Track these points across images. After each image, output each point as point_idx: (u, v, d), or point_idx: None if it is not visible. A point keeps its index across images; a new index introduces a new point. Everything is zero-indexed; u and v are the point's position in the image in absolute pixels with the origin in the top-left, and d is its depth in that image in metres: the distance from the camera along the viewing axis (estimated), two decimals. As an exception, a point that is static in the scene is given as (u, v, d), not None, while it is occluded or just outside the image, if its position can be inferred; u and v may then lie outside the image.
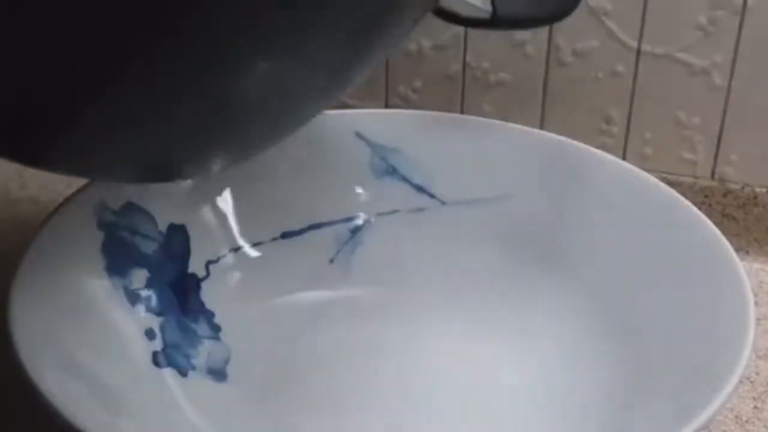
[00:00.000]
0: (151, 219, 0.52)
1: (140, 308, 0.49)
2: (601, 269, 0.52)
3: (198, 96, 0.34)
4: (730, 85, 0.60)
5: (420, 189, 0.57)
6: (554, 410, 0.48)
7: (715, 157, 0.62)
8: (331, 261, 0.56)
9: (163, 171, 0.42)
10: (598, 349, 0.50)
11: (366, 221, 0.56)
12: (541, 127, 0.63)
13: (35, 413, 0.38)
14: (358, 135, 0.56)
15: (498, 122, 0.57)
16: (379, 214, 0.56)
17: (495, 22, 0.47)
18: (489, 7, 0.47)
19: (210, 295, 0.52)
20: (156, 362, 0.48)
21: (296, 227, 0.56)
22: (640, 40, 0.60)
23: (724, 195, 0.62)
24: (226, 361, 0.50)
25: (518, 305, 0.53)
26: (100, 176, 0.47)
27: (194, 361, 0.50)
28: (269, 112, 0.39)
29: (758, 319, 0.45)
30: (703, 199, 0.62)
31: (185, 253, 0.53)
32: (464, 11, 0.45)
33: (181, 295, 0.52)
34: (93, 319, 0.46)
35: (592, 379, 0.49)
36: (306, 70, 0.36)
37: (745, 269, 0.47)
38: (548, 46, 0.61)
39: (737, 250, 0.48)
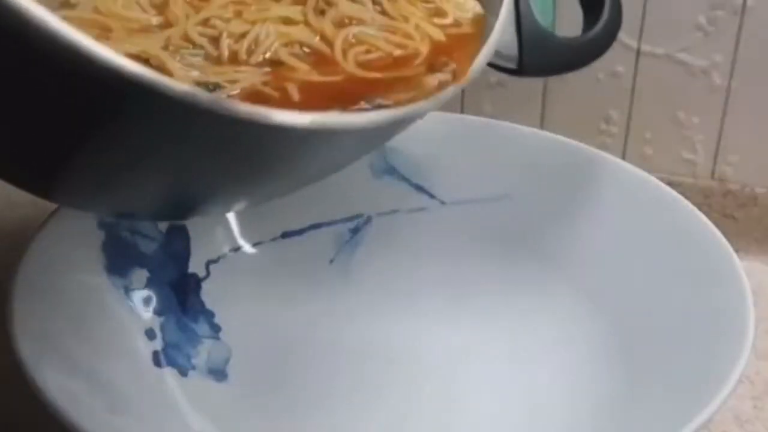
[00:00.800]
0: (152, 219, 0.52)
1: (140, 308, 0.49)
2: (601, 269, 0.52)
3: (220, 170, 0.39)
4: (729, 85, 0.60)
5: (420, 189, 0.57)
6: (554, 410, 0.48)
7: (715, 157, 0.62)
8: (331, 261, 0.56)
9: (183, 216, 0.47)
10: (597, 348, 0.50)
11: (366, 221, 0.56)
12: (541, 127, 0.63)
13: (35, 412, 0.38)
14: (358, 135, 0.56)
15: (498, 122, 0.57)
16: (379, 214, 0.56)
17: (520, 72, 0.48)
18: (515, 53, 0.48)
19: (210, 295, 0.52)
20: (156, 362, 0.48)
21: (296, 227, 0.56)
22: (640, 40, 0.60)
23: (724, 195, 0.62)
24: (226, 361, 0.50)
25: (518, 305, 0.53)
26: (119, 217, 0.49)
27: (194, 361, 0.50)
28: (287, 186, 0.45)
29: (758, 319, 0.45)
30: (703, 199, 0.62)
31: (185, 253, 0.53)
32: (492, 59, 0.45)
33: (181, 295, 0.52)
34: (93, 319, 0.46)
35: (592, 379, 0.49)
36: (321, 168, 0.44)
37: (745, 269, 0.47)
38: None
39: (737, 250, 0.48)
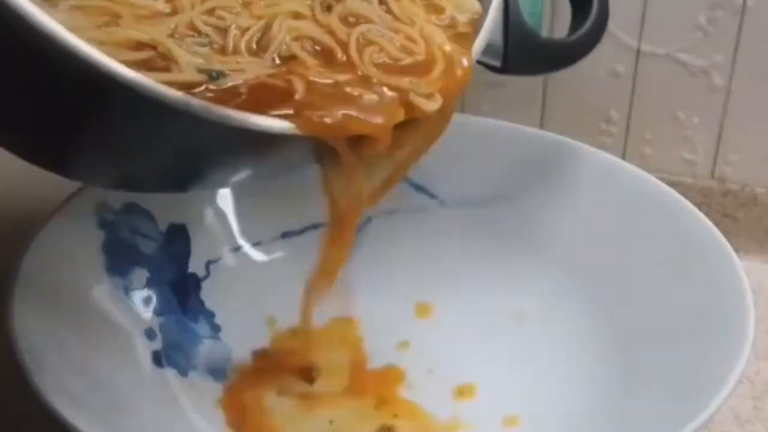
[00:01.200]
0: (151, 219, 0.52)
1: (140, 308, 0.49)
2: (601, 269, 0.52)
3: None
4: (729, 85, 0.60)
5: (420, 189, 0.57)
6: (553, 411, 0.48)
7: (715, 157, 0.62)
8: (331, 261, 0.56)
9: (182, 188, 0.47)
10: (597, 349, 0.50)
11: (366, 221, 0.56)
12: (541, 127, 0.63)
13: (35, 413, 0.38)
14: (358, 135, 0.56)
15: (498, 122, 0.57)
16: (379, 214, 0.56)
17: (504, 70, 0.49)
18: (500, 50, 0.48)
19: (210, 295, 0.52)
20: (156, 362, 0.48)
21: (296, 227, 0.56)
22: (640, 40, 0.60)
23: (724, 195, 0.62)
24: (226, 361, 0.50)
25: (518, 306, 0.53)
26: (121, 188, 0.49)
27: (194, 361, 0.50)
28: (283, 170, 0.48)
29: (758, 319, 0.45)
30: (703, 199, 0.62)
31: (185, 253, 0.53)
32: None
33: (181, 295, 0.52)
34: (93, 319, 0.46)
35: (592, 378, 0.49)
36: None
37: (745, 269, 0.47)
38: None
39: (737, 250, 0.48)
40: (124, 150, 0.38)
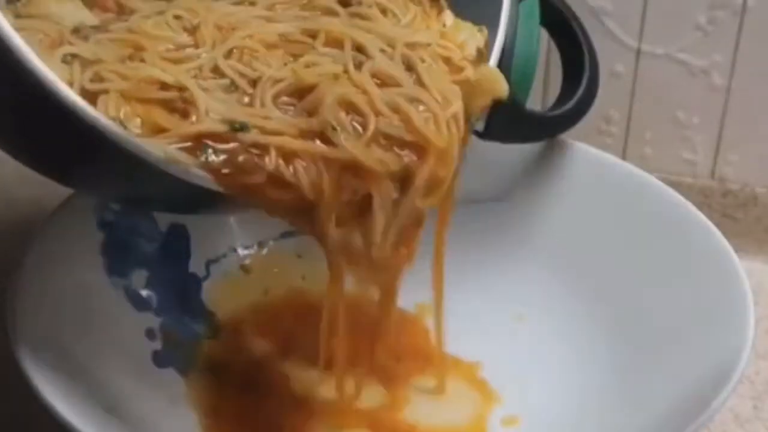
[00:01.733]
0: (152, 219, 0.52)
1: (140, 308, 0.49)
2: (601, 270, 0.52)
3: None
4: (729, 85, 0.60)
5: (420, 189, 0.56)
6: (553, 411, 0.48)
7: (715, 157, 0.62)
8: (331, 261, 0.56)
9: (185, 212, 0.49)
10: (597, 349, 0.50)
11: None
12: (541, 127, 0.63)
13: (35, 412, 0.38)
14: (358, 135, 0.56)
15: (498, 122, 0.57)
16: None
17: (484, 136, 0.50)
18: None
19: (210, 295, 0.52)
20: (156, 362, 0.48)
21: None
22: (640, 40, 0.60)
23: (724, 195, 0.62)
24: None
25: (518, 306, 0.53)
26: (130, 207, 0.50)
27: (194, 361, 0.50)
28: None
29: (758, 319, 0.45)
30: (703, 199, 0.62)
31: (185, 253, 0.53)
32: None
33: (181, 295, 0.52)
34: (93, 319, 0.46)
35: (592, 379, 0.49)
36: None
37: (745, 269, 0.47)
38: (548, 45, 0.61)
39: (737, 250, 0.48)
40: (121, 183, 0.40)
